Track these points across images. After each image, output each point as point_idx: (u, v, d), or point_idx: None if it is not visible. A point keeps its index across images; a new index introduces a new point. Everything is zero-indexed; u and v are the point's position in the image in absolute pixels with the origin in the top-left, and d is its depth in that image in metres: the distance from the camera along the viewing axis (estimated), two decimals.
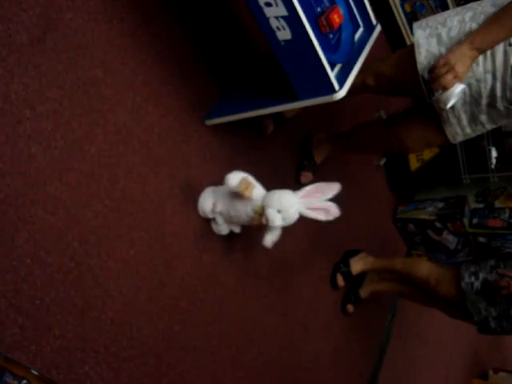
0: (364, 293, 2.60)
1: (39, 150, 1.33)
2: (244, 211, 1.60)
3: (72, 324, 1.37)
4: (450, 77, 1.52)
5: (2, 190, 1.25)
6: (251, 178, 1.58)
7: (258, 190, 1.58)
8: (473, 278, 2.03)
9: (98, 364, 1.43)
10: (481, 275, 2.03)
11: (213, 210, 1.69)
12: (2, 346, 1.20)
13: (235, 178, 1.54)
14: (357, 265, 2.53)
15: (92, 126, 1.47)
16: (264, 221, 1.53)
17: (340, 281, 2.49)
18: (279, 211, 1.50)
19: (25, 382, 1.03)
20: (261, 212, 1.54)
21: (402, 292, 2.54)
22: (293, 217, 1.52)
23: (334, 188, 1.54)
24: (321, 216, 1.53)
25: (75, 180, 1.42)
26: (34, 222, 1.31)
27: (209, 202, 1.70)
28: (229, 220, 1.70)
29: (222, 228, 1.74)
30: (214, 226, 1.76)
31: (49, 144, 1.36)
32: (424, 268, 2.27)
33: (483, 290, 1.99)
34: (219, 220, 1.71)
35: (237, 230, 1.75)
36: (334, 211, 1.53)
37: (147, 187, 1.62)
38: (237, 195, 1.56)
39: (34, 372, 1.04)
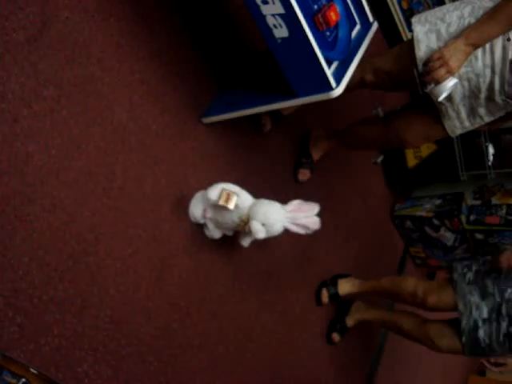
0: (350, 321, 2.52)
1: (36, 148, 1.33)
2: (230, 218, 1.60)
3: (70, 322, 1.37)
4: (443, 71, 1.55)
5: None
6: (234, 187, 1.57)
7: (244, 197, 1.57)
8: (465, 269, 2.05)
9: (97, 362, 1.43)
10: (474, 267, 2.04)
11: (203, 216, 1.68)
12: (0, 344, 1.20)
13: (214, 192, 1.53)
14: (345, 286, 2.45)
15: (89, 124, 1.47)
16: (247, 230, 1.52)
17: (324, 297, 2.41)
18: (264, 224, 1.50)
19: (24, 380, 1.03)
20: (246, 221, 1.54)
21: (388, 321, 2.46)
22: (277, 231, 1.53)
23: (314, 207, 1.56)
24: (302, 231, 1.56)
25: (72, 178, 1.42)
26: (32, 221, 1.31)
27: (199, 207, 1.69)
28: (218, 225, 1.70)
29: (214, 233, 1.73)
30: (206, 231, 1.74)
31: (46, 143, 1.36)
32: (411, 282, 2.25)
33: (476, 280, 1.99)
34: (210, 225, 1.70)
35: (229, 233, 1.74)
36: (315, 227, 1.56)
37: (144, 185, 1.62)
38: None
39: (32, 370, 1.04)
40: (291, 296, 2.26)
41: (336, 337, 2.49)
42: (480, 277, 2.00)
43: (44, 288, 1.32)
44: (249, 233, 1.53)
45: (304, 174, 2.34)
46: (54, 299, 1.34)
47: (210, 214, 1.66)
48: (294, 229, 1.56)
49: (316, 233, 1.57)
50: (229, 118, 1.78)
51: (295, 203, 1.55)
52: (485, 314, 1.96)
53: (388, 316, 2.47)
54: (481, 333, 1.96)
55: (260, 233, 1.50)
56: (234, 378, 1.89)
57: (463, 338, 2.01)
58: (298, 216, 1.54)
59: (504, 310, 1.92)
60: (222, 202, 1.51)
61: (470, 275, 2.02)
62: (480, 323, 1.96)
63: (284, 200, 2.20)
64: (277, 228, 1.52)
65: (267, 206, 1.52)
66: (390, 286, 2.36)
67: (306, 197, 2.38)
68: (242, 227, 1.58)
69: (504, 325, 1.91)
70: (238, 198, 1.53)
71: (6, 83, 1.28)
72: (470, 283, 2.00)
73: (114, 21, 1.56)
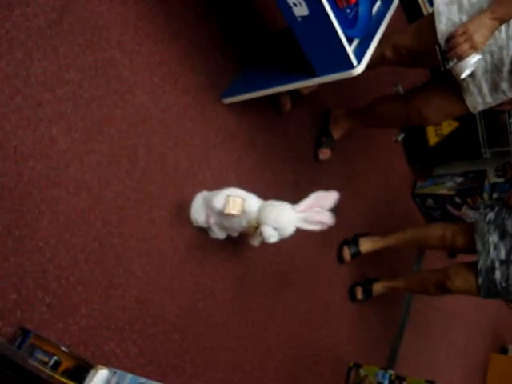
0: (377, 287, 2.55)
1: (60, 132, 1.35)
2: (238, 223, 1.54)
3: (97, 303, 1.40)
4: (466, 46, 1.50)
5: (25, 172, 1.27)
6: (239, 191, 1.53)
7: (250, 201, 1.51)
8: (488, 209, 2.04)
9: (123, 341, 1.46)
10: (496, 207, 2.03)
11: (207, 221, 1.63)
12: (31, 323, 1.24)
13: (219, 200, 1.48)
14: (366, 243, 2.47)
15: (111, 107, 1.48)
16: (259, 235, 1.48)
17: (347, 254, 2.44)
18: (275, 229, 1.45)
19: (55, 358, 1.06)
20: (256, 226, 1.49)
21: (415, 285, 2.47)
22: (289, 233, 1.48)
23: (331, 198, 1.49)
24: (316, 228, 1.51)
25: (96, 161, 1.44)
26: (58, 204, 1.34)
27: (201, 213, 1.63)
28: (224, 229, 1.66)
29: (219, 235, 1.69)
30: (210, 234, 1.70)
31: (69, 126, 1.38)
32: (439, 226, 2.27)
33: (496, 220, 1.97)
34: (215, 228, 1.66)
35: (234, 234, 1.70)
36: (328, 221, 1.51)
37: (166, 167, 1.63)
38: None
39: (63, 349, 1.07)
40: (313, 275, 2.27)
41: (359, 290, 2.51)
42: (501, 217, 1.98)
43: (71, 269, 1.35)
44: (260, 236, 1.49)
45: (324, 153, 2.33)
46: (81, 280, 1.37)
47: (213, 219, 1.61)
48: (308, 227, 1.51)
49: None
50: (249, 98, 1.77)
51: (307, 202, 1.48)
52: (502, 256, 1.93)
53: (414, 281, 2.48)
54: (497, 275, 1.95)
55: (273, 237, 1.46)
56: (257, 356, 1.92)
57: (479, 279, 1.99)
58: (310, 214, 1.49)
59: None
60: (228, 211, 1.46)
61: (491, 215, 2.00)
62: (497, 264, 1.95)
63: (305, 181, 2.20)
64: (289, 230, 1.47)
65: (277, 210, 1.46)
66: (416, 233, 2.38)
67: (327, 176, 2.38)
68: (252, 231, 1.54)
69: None
70: (245, 203, 1.48)
71: (29, 68, 1.29)
72: (490, 222, 1.99)
73: (132, 3, 1.56)
